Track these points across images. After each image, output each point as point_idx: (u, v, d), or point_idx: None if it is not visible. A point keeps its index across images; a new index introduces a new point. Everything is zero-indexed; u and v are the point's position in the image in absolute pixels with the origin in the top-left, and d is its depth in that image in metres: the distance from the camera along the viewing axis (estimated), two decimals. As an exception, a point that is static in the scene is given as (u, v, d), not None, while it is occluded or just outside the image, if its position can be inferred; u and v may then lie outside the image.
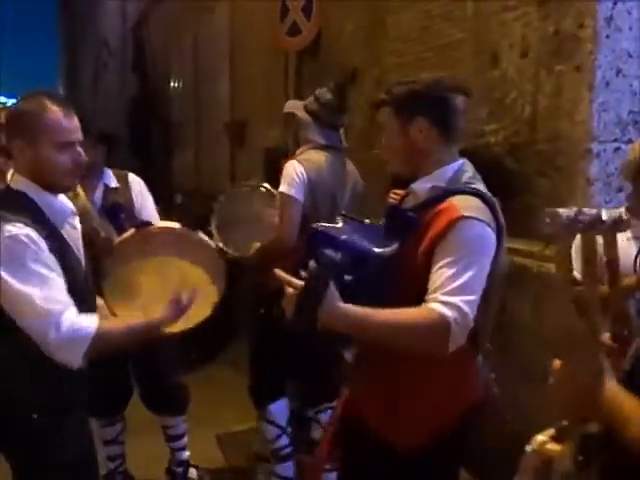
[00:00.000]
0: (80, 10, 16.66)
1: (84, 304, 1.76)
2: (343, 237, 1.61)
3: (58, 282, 1.68)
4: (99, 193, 2.91)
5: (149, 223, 2.32)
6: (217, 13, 6.94)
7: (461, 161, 1.78)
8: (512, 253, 2.62)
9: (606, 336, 1.62)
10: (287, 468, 3.10)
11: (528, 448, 1.36)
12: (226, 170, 6.37)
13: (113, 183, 2.96)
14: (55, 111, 1.78)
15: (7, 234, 1.64)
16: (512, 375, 2.63)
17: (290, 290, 1.55)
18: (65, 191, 1.89)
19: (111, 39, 12.53)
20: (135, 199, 2.96)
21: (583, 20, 2.64)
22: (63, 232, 1.83)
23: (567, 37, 2.71)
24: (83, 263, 1.91)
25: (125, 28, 11.18)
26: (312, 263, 1.51)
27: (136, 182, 3.04)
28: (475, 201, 1.66)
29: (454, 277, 1.56)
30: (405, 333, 1.57)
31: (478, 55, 3.19)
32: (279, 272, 1.59)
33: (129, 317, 1.87)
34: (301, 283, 1.53)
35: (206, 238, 2.26)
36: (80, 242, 1.95)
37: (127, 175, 3.03)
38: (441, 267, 1.58)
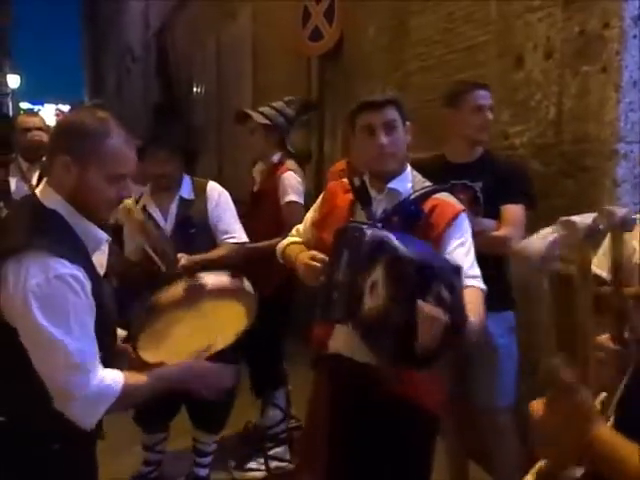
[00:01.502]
0: (103, 18, 16.90)
1: (107, 336, 1.67)
2: (436, 262, 1.69)
3: (92, 333, 1.54)
4: (174, 205, 2.83)
5: (200, 283, 2.01)
6: (239, 19, 6.99)
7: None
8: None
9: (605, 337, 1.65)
10: (285, 451, 3.37)
11: None
12: (249, 175, 6.40)
13: (188, 194, 2.87)
14: (116, 137, 1.59)
15: (54, 272, 1.46)
16: (532, 375, 2.61)
17: (427, 316, 1.54)
18: (98, 223, 1.68)
19: (134, 46, 12.68)
20: (211, 212, 2.86)
21: (609, 20, 2.62)
22: (94, 260, 1.67)
23: (593, 37, 2.69)
24: (109, 291, 1.78)
25: (148, 35, 11.31)
26: (445, 292, 1.59)
27: (215, 192, 2.91)
28: (452, 197, 2.01)
29: (467, 254, 1.93)
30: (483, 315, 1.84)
31: (502, 57, 3.18)
32: (423, 304, 1.55)
33: (150, 371, 1.70)
34: (441, 314, 1.55)
35: (249, 286, 2.07)
36: (104, 267, 1.80)
37: (206, 185, 2.92)
38: (455, 248, 1.91)
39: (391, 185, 1.99)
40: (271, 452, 3.35)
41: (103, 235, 1.69)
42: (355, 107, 2.03)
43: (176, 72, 9.66)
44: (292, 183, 3.24)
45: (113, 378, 1.56)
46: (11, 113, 21.68)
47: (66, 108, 32.67)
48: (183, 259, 2.66)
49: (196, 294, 1.93)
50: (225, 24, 7.39)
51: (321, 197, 2.24)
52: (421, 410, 1.92)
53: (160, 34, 10.29)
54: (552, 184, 2.85)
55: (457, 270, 1.70)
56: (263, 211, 3.31)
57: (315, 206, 2.25)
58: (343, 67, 4.80)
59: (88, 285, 1.53)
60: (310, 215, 2.27)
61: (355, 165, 3.06)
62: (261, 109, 3.38)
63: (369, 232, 1.75)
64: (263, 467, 3.33)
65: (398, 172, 2.01)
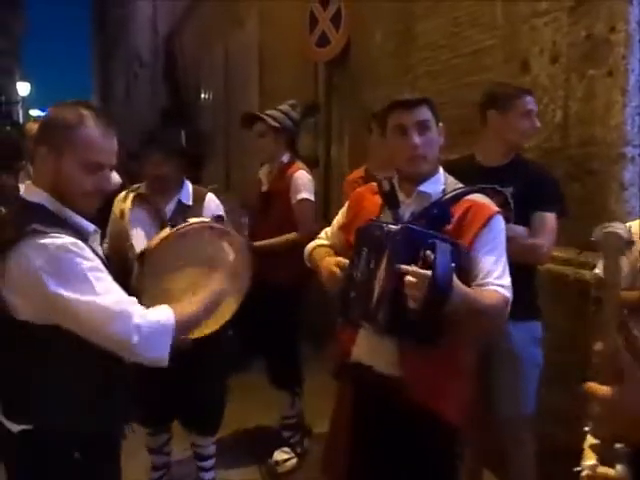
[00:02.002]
0: (113, 24, 17.02)
1: None
2: (432, 231, 1.71)
3: (115, 284, 1.57)
4: (171, 207, 2.83)
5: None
6: (247, 25, 7.03)
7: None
8: (548, 260, 2.61)
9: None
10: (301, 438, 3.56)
11: (583, 473, 1.37)
12: (257, 180, 6.42)
13: (187, 200, 2.87)
14: (92, 127, 1.62)
15: (54, 246, 1.49)
16: (546, 380, 2.60)
17: (412, 279, 1.59)
18: (81, 214, 1.69)
19: (143, 51, 12.76)
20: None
21: (615, 24, 2.62)
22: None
23: (599, 41, 2.69)
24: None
25: (157, 41, 11.39)
26: (430, 252, 1.59)
27: (213, 203, 2.91)
28: (487, 198, 1.93)
29: (497, 262, 1.84)
30: (490, 312, 1.79)
31: (508, 61, 3.19)
32: (403, 266, 1.62)
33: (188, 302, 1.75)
34: (426, 272, 1.58)
35: (233, 232, 2.19)
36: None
37: (205, 194, 2.92)
38: (485, 254, 1.83)
39: (421, 188, 1.93)
40: (292, 440, 3.49)
41: (90, 226, 1.70)
42: (386, 106, 1.97)
43: (184, 78, 9.72)
44: (304, 181, 3.33)
45: (162, 312, 1.59)
46: (21, 120, 21.85)
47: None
48: None
49: (181, 229, 2.09)
50: (233, 30, 7.43)
51: (348, 201, 2.21)
52: (443, 423, 1.87)
53: (168, 40, 10.35)
54: (559, 188, 2.85)
55: (454, 244, 1.70)
56: (274, 210, 3.36)
57: (343, 210, 2.23)
58: (350, 72, 4.82)
59: (88, 248, 1.56)
60: (337, 219, 2.25)
61: (374, 171, 3.13)
62: (269, 112, 3.42)
63: (386, 228, 1.76)
64: (292, 454, 3.44)
65: (430, 174, 1.95)
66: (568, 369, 2.80)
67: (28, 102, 31.67)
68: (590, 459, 1.37)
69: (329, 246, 2.20)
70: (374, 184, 2.07)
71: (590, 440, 1.42)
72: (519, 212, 2.42)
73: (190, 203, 2.85)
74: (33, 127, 3.77)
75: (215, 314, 1.92)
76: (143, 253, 2.16)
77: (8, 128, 8.47)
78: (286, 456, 3.44)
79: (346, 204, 2.22)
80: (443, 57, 3.71)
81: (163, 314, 1.59)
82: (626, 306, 1.96)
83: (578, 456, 2.83)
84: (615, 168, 2.67)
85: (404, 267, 1.62)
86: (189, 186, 2.90)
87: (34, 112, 24.85)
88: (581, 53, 2.77)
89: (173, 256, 2.12)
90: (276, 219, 3.34)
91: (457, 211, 1.85)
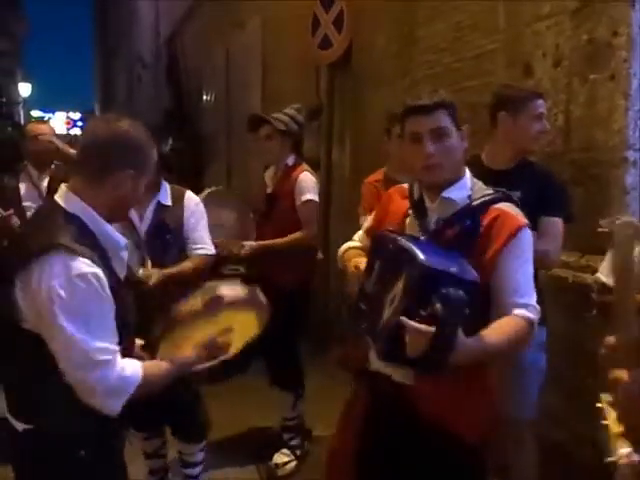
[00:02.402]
0: (114, 26, 17.04)
1: (126, 340, 1.72)
2: (452, 269, 1.60)
3: (112, 327, 1.60)
4: (150, 210, 2.83)
5: (218, 295, 2.14)
6: (248, 28, 7.04)
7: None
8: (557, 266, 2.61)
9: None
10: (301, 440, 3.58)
11: (620, 462, 1.38)
12: (258, 183, 6.42)
13: (166, 201, 2.87)
14: (154, 147, 1.76)
15: (76, 272, 1.51)
16: (547, 385, 2.60)
17: (414, 330, 1.54)
18: (119, 222, 1.85)
19: (145, 54, 12.78)
20: (186, 219, 2.86)
21: (617, 28, 2.63)
22: (114, 264, 1.70)
23: (601, 45, 2.70)
24: (129, 296, 1.82)
25: (158, 43, 11.41)
26: (439, 306, 1.51)
27: (192, 201, 2.93)
28: (515, 208, 1.84)
29: (523, 279, 1.76)
30: (510, 348, 1.77)
31: (511, 65, 3.19)
32: (405, 320, 1.55)
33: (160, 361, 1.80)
34: (428, 330, 1.52)
35: (262, 296, 2.15)
36: (125, 275, 1.85)
37: (184, 193, 2.93)
38: (510, 270, 1.75)
39: (445, 194, 1.82)
40: (292, 442, 3.50)
41: (122, 239, 1.74)
42: (402, 110, 1.86)
43: (186, 80, 9.73)
44: (309, 183, 3.40)
45: (133, 368, 1.62)
46: (22, 121, 21.87)
47: (77, 116, 32.90)
48: (154, 276, 2.68)
49: (214, 306, 2.02)
50: (234, 33, 7.44)
51: (379, 203, 2.15)
52: (458, 438, 1.79)
53: (170, 42, 10.37)
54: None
55: (472, 283, 1.60)
56: (277, 211, 3.41)
57: (375, 211, 2.17)
58: (352, 75, 4.83)
59: (107, 283, 1.57)
60: (368, 220, 2.19)
61: (393, 175, 3.10)
62: (275, 115, 3.43)
63: (400, 243, 1.68)
64: (292, 457, 3.45)
65: (454, 180, 1.83)
66: (566, 372, 2.80)
67: (29, 103, 31.72)
68: (622, 447, 1.37)
69: (361, 248, 2.14)
70: (405, 186, 1.98)
71: (615, 429, 1.43)
72: (526, 216, 2.40)
73: (169, 203, 2.87)
74: (34, 128, 3.75)
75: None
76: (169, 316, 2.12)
77: (9, 129, 8.46)
78: (286, 459, 3.43)
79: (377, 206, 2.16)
80: (445, 61, 3.72)
81: (131, 372, 1.62)
82: (605, 309, 1.98)
83: (575, 457, 2.83)
84: (617, 172, 2.67)
85: (407, 322, 1.55)
86: (167, 186, 2.91)
87: (35, 113, 24.90)
88: (583, 57, 2.77)
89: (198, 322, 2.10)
90: (279, 220, 3.38)
91: (484, 219, 1.77)
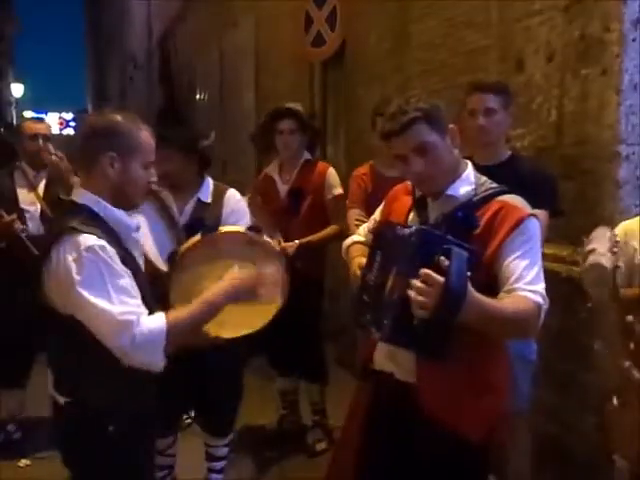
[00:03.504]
0: (107, 26, 17.00)
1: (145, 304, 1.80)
2: (449, 237, 1.62)
3: (130, 290, 1.69)
4: (190, 206, 2.79)
5: (214, 228, 2.39)
6: (241, 26, 7.03)
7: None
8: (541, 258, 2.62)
9: None
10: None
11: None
12: (255, 178, 6.42)
13: (206, 198, 2.81)
14: (146, 130, 1.83)
15: (84, 246, 1.65)
16: (540, 378, 2.62)
17: (422, 285, 1.50)
18: (133, 208, 1.92)
19: (137, 53, 12.75)
20: (225, 216, 2.78)
21: (609, 23, 2.64)
22: (128, 246, 1.83)
23: (593, 41, 2.71)
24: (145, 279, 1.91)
25: (151, 43, 11.38)
26: (444, 258, 1.50)
27: (233, 199, 2.85)
28: (522, 199, 1.83)
29: (530, 267, 1.71)
30: (514, 320, 1.67)
31: (503, 61, 3.20)
32: (410, 280, 1.52)
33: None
34: (439, 278, 1.48)
35: (270, 241, 2.33)
36: (142, 258, 1.96)
37: (225, 191, 2.86)
38: (515, 259, 1.72)
39: (448, 192, 1.82)
40: (322, 422, 3.62)
41: (132, 222, 1.88)
42: (381, 135, 1.85)
43: (179, 79, 9.71)
44: (336, 178, 3.53)
45: (155, 318, 1.70)
46: (15, 122, 21.78)
47: (69, 116, 32.78)
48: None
49: (211, 238, 2.20)
50: (227, 31, 7.44)
51: (385, 200, 2.14)
52: (459, 437, 1.77)
53: (163, 42, 10.35)
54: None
55: (471, 250, 1.59)
56: (306, 206, 3.44)
57: (380, 208, 2.17)
58: (345, 72, 4.83)
59: (116, 254, 1.70)
60: (374, 216, 2.19)
61: (380, 168, 3.22)
62: (296, 108, 3.46)
63: (398, 232, 1.70)
64: (324, 436, 3.57)
65: (455, 177, 1.83)
66: (559, 366, 2.82)
67: (22, 104, 31.59)
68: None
69: (364, 243, 2.15)
70: (409, 183, 1.97)
71: None
72: None
73: (209, 200, 2.81)
74: (32, 127, 3.69)
75: (247, 318, 2.08)
76: (174, 253, 2.31)
77: (2, 130, 8.42)
78: (319, 436, 3.55)
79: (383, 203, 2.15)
80: (438, 57, 3.73)
81: (156, 323, 1.69)
82: (625, 303, 1.99)
83: (570, 451, 2.85)
84: (609, 167, 2.69)
85: (412, 281, 1.52)
86: (209, 183, 2.85)
87: (28, 113, 24.77)
88: (575, 52, 2.79)
89: (204, 258, 2.23)
90: (307, 215, 3.42)
91: (487, 213, 1.77)
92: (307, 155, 3.53)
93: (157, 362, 1.69)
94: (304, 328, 3.41)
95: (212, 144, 2.94)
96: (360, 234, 2.24)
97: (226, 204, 2.81)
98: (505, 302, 1.67)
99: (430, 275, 1.49)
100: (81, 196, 1.80)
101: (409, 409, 1.80)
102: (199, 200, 2.80)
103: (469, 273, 1.52)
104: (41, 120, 4.10)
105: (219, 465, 3.04)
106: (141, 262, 1.93)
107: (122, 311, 1.64)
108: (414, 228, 1.67)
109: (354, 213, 3.19)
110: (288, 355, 3.51)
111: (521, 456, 2.61)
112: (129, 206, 1.87)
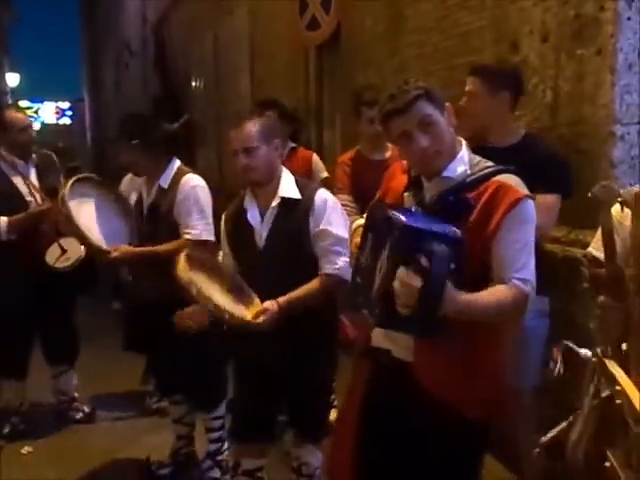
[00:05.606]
0: (101, 13, 16.87)
1: None
2: (433, 228, 1.62)
3: None
4: (152, 193, 2.90)
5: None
6: (236, 12, 6.98)
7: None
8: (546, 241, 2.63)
9: None
10: None
11: None
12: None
13: (165, 184, 2.87)
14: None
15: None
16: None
17: (401, 288, 1.56)
18: None
19: (132, 40, 12.66)
20: (177, 203, 2.84)
21: (603, 3, 2.63)
22: None
23: (588, 21, 2.70)
24: None
25: (145, 29, 11.29)
26: (425, 260, 1.54)
27: (188, 185, 2.88)
28: (517, 179, 1.80)
29: (521, 253, 1.74)
30: (499, 312, 1.73)
31: (498, 42, 3.19)
32: (392, 279, 1.58)
33: None
34: (415, 283, 1.54)
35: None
36: None
37: (182, 176, 2.90)
38: (508, 244, 1.74)
39: (444, 174, 1.81)
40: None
41: None
42: (381, 116, 1.83)
43: (174, 66, 9.66)
44: (321, 164, 3.86)
45: None
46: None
47: (66, 105, 32.58)
48: (116, 252, 2.85)
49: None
50: (222, 18, 7.38)
51: (384, 181, 2.13)
52: (458, 416, 1.79)
53: (158, 29, 10.27)
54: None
55: (455, 240, 1.61)
56: None
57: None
58: (341, 56, 4.81)
59: None
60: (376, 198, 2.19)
61: (366, 153, 3.27)
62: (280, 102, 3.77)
63: (386, 213, 1.70)
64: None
65: (449, 160, 1.82)
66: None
67: (17, 93, 31.39)
68: None
69: None
70: (405, 162, 1.97)
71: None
72: None
73: (166, 186, 2.89)
74: (21, 118, 3.64)
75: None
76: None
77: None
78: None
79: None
80: (433, 39, 3.71)
81: None
82: (597, 282, 2.01)
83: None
84: (605, 147, 2.69)
85: (401, 272, 1.57)
86: (173, 168, 2.92)
87: (23, 103, 24.64)
88: (570, 32, 2.78)
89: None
90: None
91: (484, 194, 1.76)
92: (291, 144, 3.77)
93: None
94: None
95: (177, 128, 3.10)
96: (365, 217, 2.24)
97: (180, 190, 2.86)
98: (490, 296, 1.72)
99: (406, 280, 1.55)
100: None
101: (407, 385, 1.82)
102: (159, 186, 2.89)
103: (453, 265, 1.57)
104: (22, 110, 4.02)
105: (213, 436, 3.14)
106: None
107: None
108: (400, 219, 1.64)
109: (342, 199, 3.21)
110: None
111: (530, 432, 2.60)
112: None
